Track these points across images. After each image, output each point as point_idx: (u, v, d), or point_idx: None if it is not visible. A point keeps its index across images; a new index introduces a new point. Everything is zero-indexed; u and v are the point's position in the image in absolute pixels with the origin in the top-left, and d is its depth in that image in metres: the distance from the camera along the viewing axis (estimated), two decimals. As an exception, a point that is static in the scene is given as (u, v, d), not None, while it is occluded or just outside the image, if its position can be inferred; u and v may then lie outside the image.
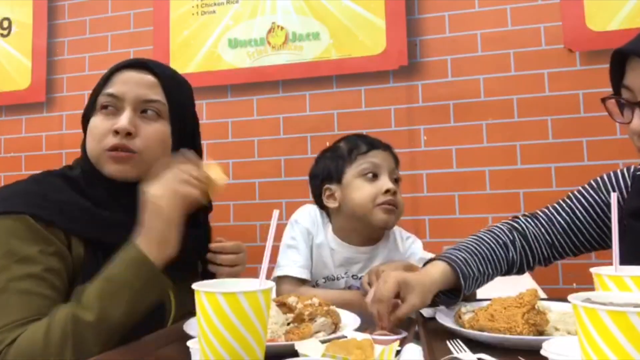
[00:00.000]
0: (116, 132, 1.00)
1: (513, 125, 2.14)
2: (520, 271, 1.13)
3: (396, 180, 1.33)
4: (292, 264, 1.30)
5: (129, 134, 1.00)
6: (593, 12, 2.10)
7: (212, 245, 1.13)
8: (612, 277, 0.69)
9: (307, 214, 1.37)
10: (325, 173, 1.36)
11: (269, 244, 0.70)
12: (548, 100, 2.11)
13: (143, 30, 2.56)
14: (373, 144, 1.35)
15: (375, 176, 1.30)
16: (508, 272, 1.12)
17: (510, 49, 2.17)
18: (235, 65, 2.43)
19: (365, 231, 1.33)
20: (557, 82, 2.11)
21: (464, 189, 2.17)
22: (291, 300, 0.92)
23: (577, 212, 1.12)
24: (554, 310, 0.90)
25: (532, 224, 1.14)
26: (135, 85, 1.04)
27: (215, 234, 1.20)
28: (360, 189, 1.29)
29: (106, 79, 1.05)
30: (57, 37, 2.67)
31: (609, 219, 1.09)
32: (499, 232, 1.11)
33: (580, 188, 1.15)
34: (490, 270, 1.05)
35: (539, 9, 2.15)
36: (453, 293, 1.02)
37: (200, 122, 1.17)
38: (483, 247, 1.06)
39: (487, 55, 2.19)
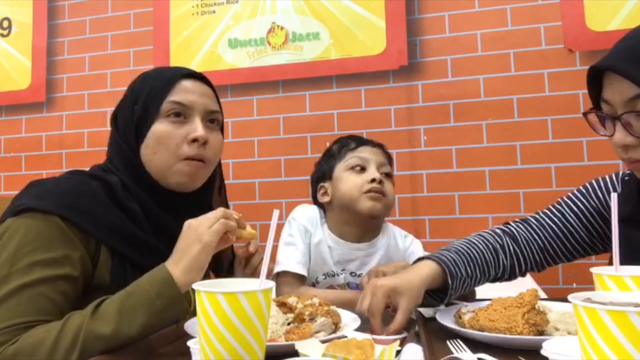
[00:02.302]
0: (193, 141, 1.03)
1: (513, 125, 2.14)
2: (512, 276, 1.13)
3: (387, 175, 1.35)
4: (290, 260, 1.31)
5: (204, 143, 1.04)
6: (593, 12, 2.10)
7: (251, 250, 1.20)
8: (612, 277, 0.69)
9: (305, 213, 1.39)
10: (319, 174, 1.42)
11: (269, 244, 0.70)
12: (548, 100, 2.11)
13: (143, 30, 2.56)
14: (362, 141, 1.40)
15: (363, 169, 1.34)
16: (498, 278, 1.11)
17: (510, 49, 2.17)
18: (235, 65, 2.43)
19: (356, 222, 1.34)
20: (557, 82, 2.11)
21: (464, 189, 2.17)
22: (291, 300, 0.92)
23: (567, 217, 1.12)
24: (554, 310, 0.91)
25: (523, 228, 1.14)
26: (200, 95, 1.06)
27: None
28: (348, 180, 1.33)
29: (164, 87, 1.04)
30: (57, 37, 2.67)
31: (599, 225, 1.10)
32: (490, 236, 1.11)
33: (570, 194, 1.15)
34: (478, 273, 1.05)
35: (539, 9, 2.15)
36: (440, 293, 1.02)
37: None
38: (472, 250, 1.06)
39: (487, 55, 2.19)
